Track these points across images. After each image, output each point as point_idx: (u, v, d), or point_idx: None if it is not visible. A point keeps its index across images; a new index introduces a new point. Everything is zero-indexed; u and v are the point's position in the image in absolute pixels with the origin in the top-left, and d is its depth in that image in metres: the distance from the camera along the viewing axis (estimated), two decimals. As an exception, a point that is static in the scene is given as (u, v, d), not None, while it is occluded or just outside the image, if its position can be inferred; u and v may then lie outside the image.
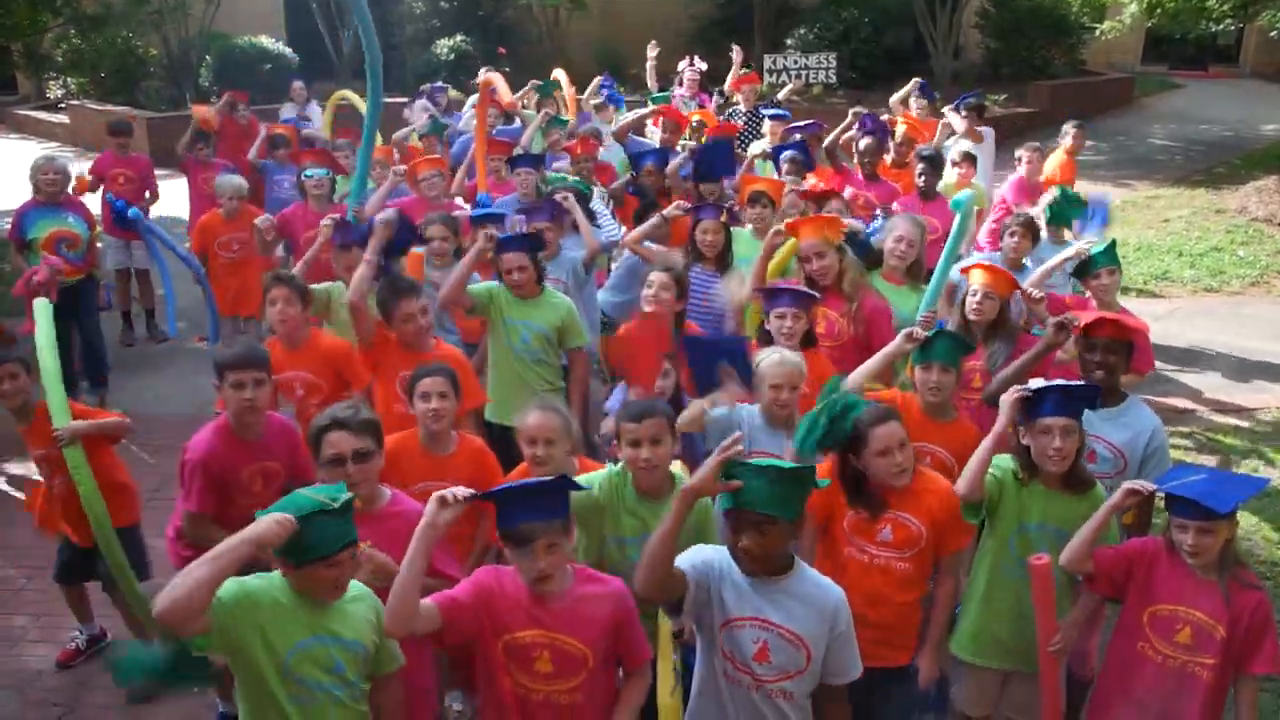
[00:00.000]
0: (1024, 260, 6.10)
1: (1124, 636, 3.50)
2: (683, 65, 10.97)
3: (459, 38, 20.92)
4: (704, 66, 10.99)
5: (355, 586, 3.07)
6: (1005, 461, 3.76)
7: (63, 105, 20.21)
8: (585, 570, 3.16)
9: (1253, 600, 3.29)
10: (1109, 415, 4.16)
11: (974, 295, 4.91)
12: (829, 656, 3.05)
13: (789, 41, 21.02)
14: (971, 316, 4.91)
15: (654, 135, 9.03)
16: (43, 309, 4.66)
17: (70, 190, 7.67)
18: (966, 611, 3.94)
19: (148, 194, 9.11)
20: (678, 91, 10.65)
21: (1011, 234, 6.10)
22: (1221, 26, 16.57)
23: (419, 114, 10.53)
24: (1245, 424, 7.52)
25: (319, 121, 11.46)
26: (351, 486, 3.22)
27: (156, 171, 9.51)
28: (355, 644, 3.01)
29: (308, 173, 7.35)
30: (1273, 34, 16.37)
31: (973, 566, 3.98)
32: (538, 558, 2.92)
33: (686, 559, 3.04)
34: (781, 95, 10.99)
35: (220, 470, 4.06)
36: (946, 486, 3.75)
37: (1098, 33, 17.33)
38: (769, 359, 4.28)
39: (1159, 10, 14.72)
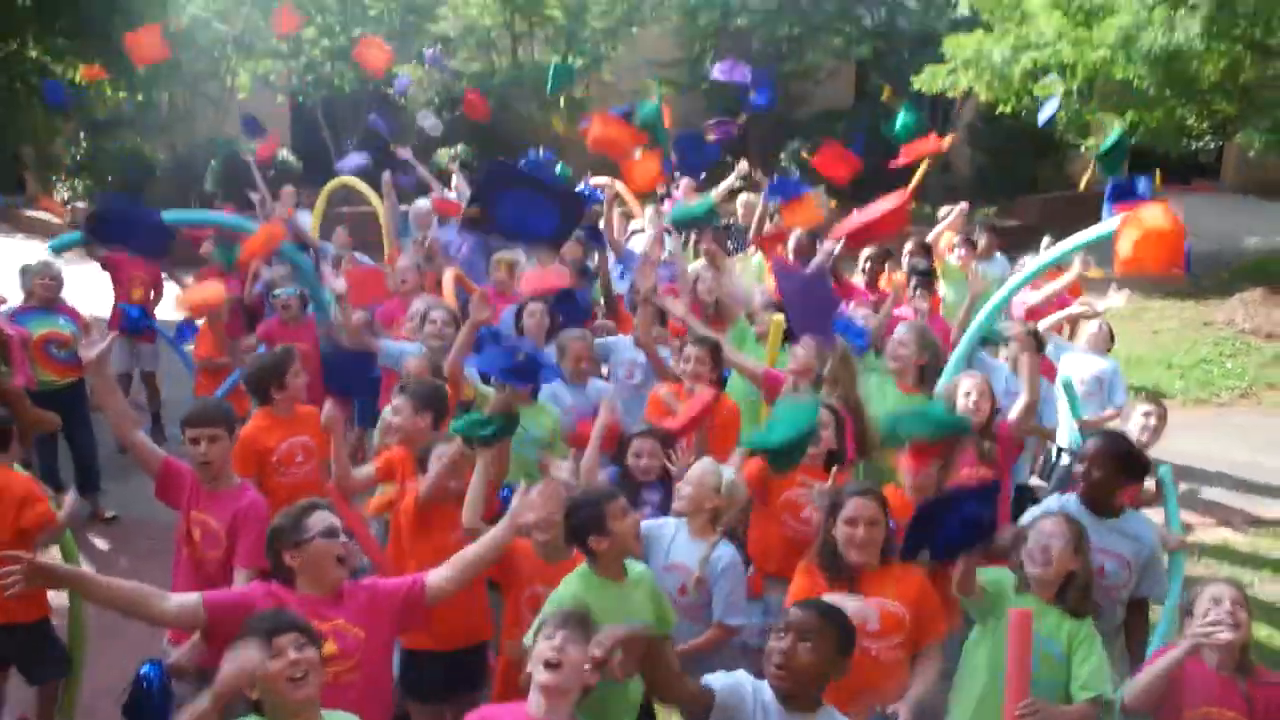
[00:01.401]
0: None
1: None
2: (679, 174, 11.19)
3: (459, 147, 21.39)
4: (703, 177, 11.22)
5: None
6: (1001, 574, 3.81)
7: (69, 206, 20.52)
8: None
9: (1272, 693, 3.43)
10: (1112, 527, 4.22)
11: (968, 395, 5.02)
12: None
13: (782, 155, 21.54)
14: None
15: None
16: None
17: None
18: (959, 710, 3.91)
19: (152, 294, 9.20)
20: (675, 194, 10.83)
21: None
22: (1201, 144, 17.04)
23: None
24: (1243, 536, 7.55)
25: (305, 225, 11.62)
26: (342, 561, 3.39)
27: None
28: None
29: (275, 291, 7.52)
30: (1250, 153, 16.82)
31: (965, 666, 3.96)
32: None
33: (719, 678, 2.99)
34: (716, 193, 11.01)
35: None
36: (921, 574, 3.84)
37: (1083, 149, 17.78)
38: (695, 467, 4.35)
39: (1141, 128, 15.15)
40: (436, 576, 3.53)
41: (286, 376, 5.30)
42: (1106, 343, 7.16)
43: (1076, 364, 7.06)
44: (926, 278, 7.55)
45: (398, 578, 3.69)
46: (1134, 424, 5.76)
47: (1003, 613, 3.72)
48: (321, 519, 3.43)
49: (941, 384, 5.46)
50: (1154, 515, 5.08)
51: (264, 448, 5.25)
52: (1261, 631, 5.97)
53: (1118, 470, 4.30)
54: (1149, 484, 4.91)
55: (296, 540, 3.41)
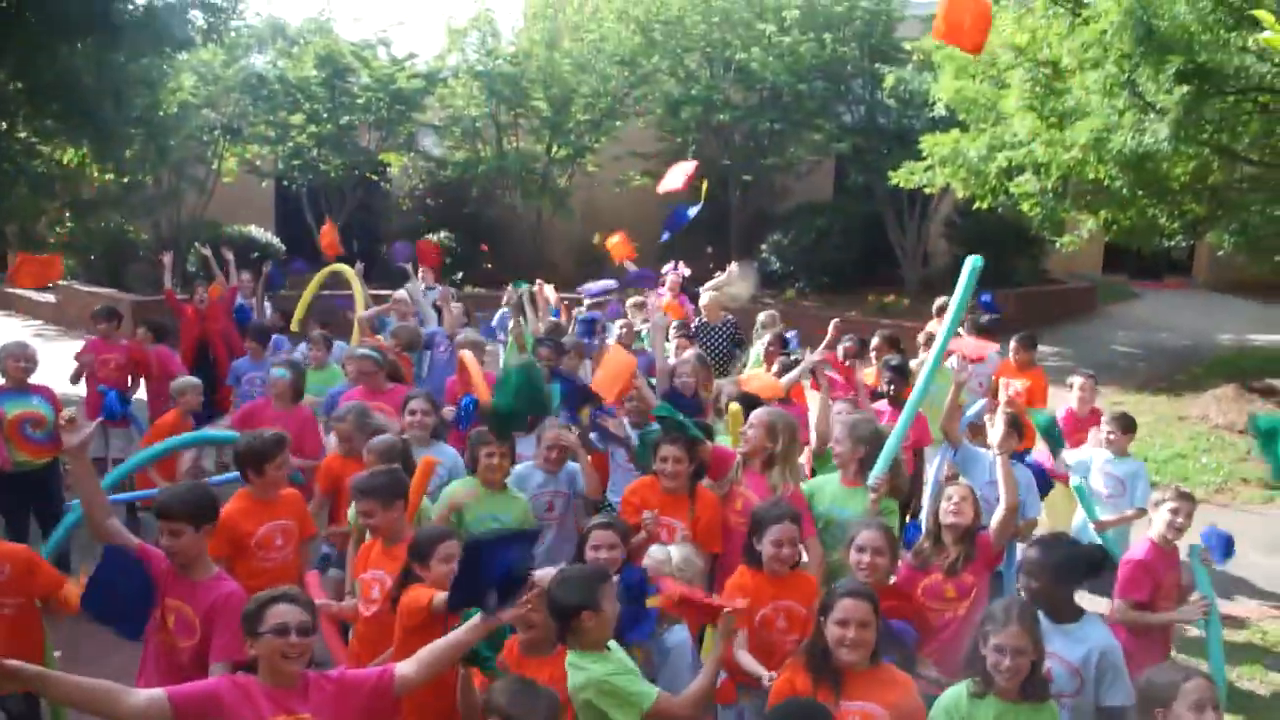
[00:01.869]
0: None
1: None
2: (667, 269, 11.36)
3: (443, 234, 21.60)
4: (687, 271, 11.38)
5: None
6: (951, 694, 3.80)
7: (51, 286, 20.53)
8: None
9: None
10: (1066, 631, 4.21)
11: (950, 499, 5.00)
12: None
13: (763, 247, 21.83)
14: (950, 520, 4.96)
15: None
16: None
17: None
18: None
19: (129, 380, 9.18)
20: (661, 292, 10.96)
21: None
22: (1174, 243, 17.38)
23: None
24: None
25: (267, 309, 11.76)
26: (290, 659, 3.36)
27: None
28: None
29: (275, 370, 7.46)
30: (1220, 252, 17.17)
31: None
32: None
33: None
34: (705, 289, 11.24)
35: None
36: (908, 680, 3.83)
37: (1058, 245, 18.11)
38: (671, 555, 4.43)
39: (1114, 227, 15.44)
40: (405, 668, 3.49)
41: (269, 465, 5.27)
42: (1127, 440, 7.13)
43: (1096, 463, 7.08)
44: (899, 372, 7.63)
45: (365, 669, 3.64)
46: (1160, 519, 5.58)
47: None
48: (278, 614, 3.38)
49: (882, 461, 5.47)
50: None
51: (243, 531, 5.20)
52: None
53: (1057, 577, 4.26)
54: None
55: (254, 630, 3.39)
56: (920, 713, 3.77)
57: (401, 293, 10.44)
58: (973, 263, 5.54)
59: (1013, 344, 9.26)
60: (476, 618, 3.48)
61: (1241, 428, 13.03)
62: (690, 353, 7.94)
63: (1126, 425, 7.15)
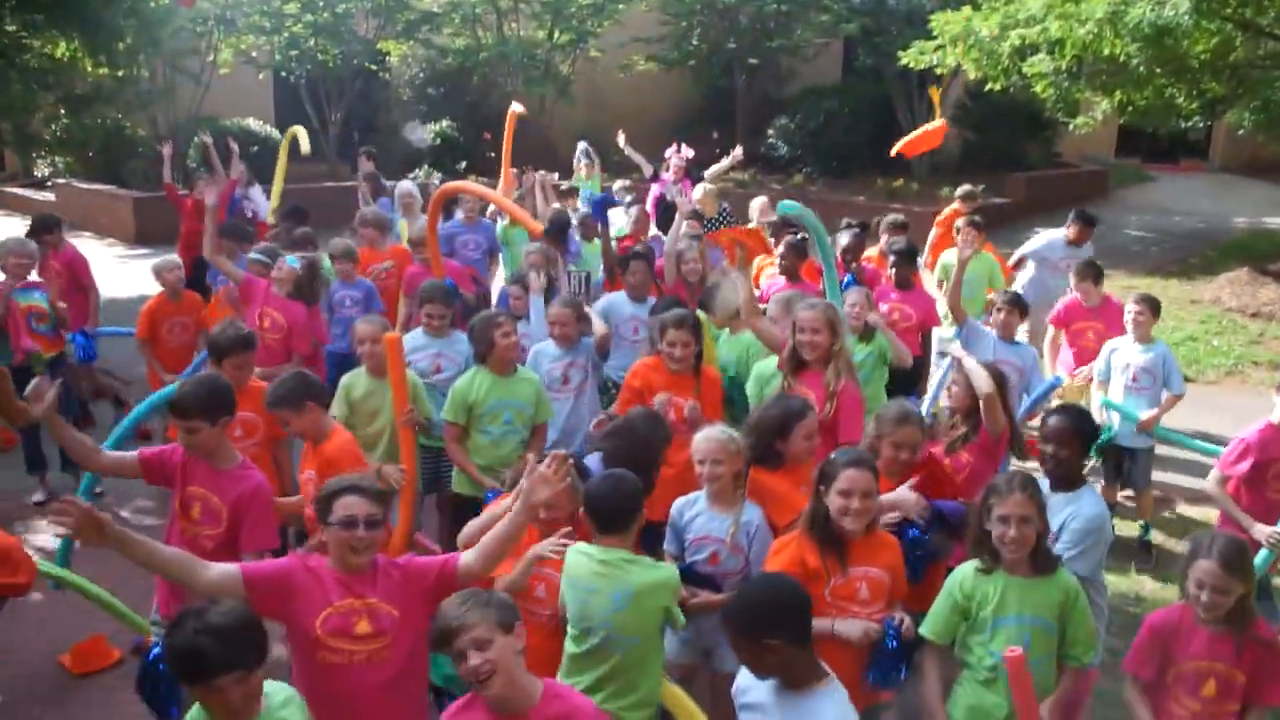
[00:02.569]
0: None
1: (1160, 699, 3.70)
2: (669, 152, 11.14)
3: (444, 123, 21.25)
4: (690, 153, 11.13)
5: (275, 695, 3.02)
6: (960, 571, 3.83)
7: (49, 183, 20.35)
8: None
9: (1263, 646, 3.55)
10: (1069, 499, 4.29)
11: (950, 385, 5.06)
12: None
13: (770, 132, 21.47)
14: (944, 402, 5.03)
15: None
16: None
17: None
18: (955, 705, 3.88)
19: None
20: (664, 177, 10.81)
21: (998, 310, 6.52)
22: (1190, 124, 17.02)
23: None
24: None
25: (262, 203, 11.51)
26: (357, 551, 3.37)
27: (144, 250, 9.47)
28: None
29: (291, 259, 7.15)
30: (1240, 131, 16.81)
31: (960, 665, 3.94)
32: None
33: None
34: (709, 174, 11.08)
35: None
36: (894, 540, 3.97)
37: (1071, 127, 17.76)
38: (703, 433, 4.27)
39: (1130, 108, 15.10)
40: (468, 557, 3.52)
41: (227, 361, 5.21)
42: (1153, 323, 6.98)
43: (1121, 359, 6.95)
44: (905, 256, 7.54)
45: (430, 558, 3.67)
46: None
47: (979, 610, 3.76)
48: (346, 505, 3.37)
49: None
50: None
51: None
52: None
53: (1083, 446, 4.41)
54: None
55: (324, 519, 3.41)
56: (903, 572, 3.91)
57: (405, 184, 10.30)
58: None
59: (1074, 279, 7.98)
60: (517, 505, 3.49)
61: (1254, 310, 12.94)
62: (693, 238, 7.83)
63: (1155, 307, 6.99)
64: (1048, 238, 9.37)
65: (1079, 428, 4.39)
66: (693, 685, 4.27)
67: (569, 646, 3.81)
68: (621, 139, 11.79)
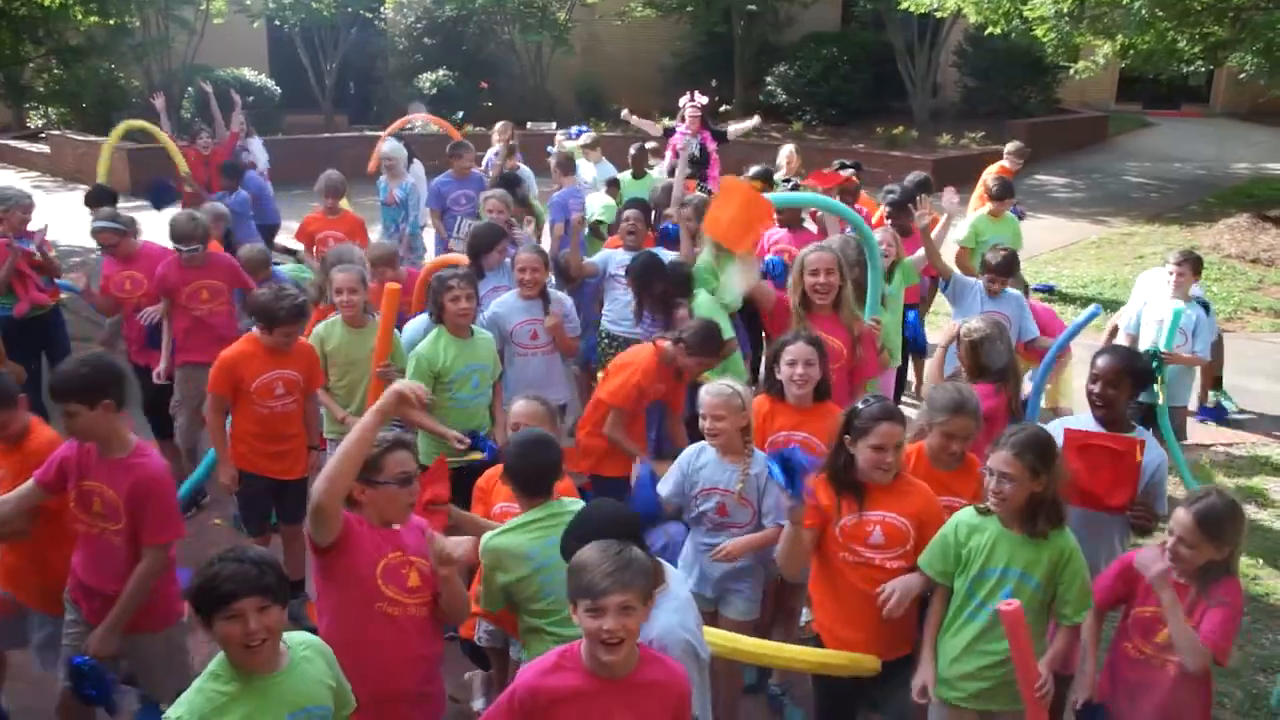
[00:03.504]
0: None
1: (1116, 636, 3.75)
2: (684, 101, 10.89)
3: (441, 72, 21.05)
4: (704, 100, 10.85)
5: (295, 639, 2.97)
6: (966, 510, 3.82)
7: (43, 135, 20.19)
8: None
9: (1220, 608, 3.45)
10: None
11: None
12: None
13: (768, 79, 21.29)
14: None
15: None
16: None
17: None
18: (941, 653, 3.84)
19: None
20: (680, 128, 10.58)
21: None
22: (1192, 68, 16.88)
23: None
24: (1220, 459, 7.60)
25: (260, 155, 11.41)
26: (409, 506, 3.41)
27: (138, 202, 9.37)
28: (323, 710, 2.96)
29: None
30: (1241, 75, 16.68)
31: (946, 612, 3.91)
32: None
33: None
34: (732, 131, 11.07)
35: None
36: (926, 488, 3.88)
37: (1072, 72, 17.61)
38: (705, 388, 4.28)
39: (1131, 52, 14.97)
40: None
41: (277, 329, 5.07)
42: (1189, 287, 6.78)
43: (1155, 314, 6.77)
44: (897, 208, 7.55)
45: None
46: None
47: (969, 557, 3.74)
48: (399, 462, 3.36)
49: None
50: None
51: (240, 376, 5.13)
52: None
53: (1133, 385, 4.35)
54: None
55: (370, 479, 3.33)
56: (938, 517, 3.82)
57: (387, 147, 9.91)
58: None
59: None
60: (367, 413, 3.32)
61: (1254, 256, 12.92)
62: (692, 194, 7.79)
63: (1197, 265, 6.87)
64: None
65: (1128, 366, 4.31)
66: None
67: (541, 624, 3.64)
68: (625, 112, 11.36)
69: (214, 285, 6.31)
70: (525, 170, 9.52)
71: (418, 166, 9.97)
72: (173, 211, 7.11)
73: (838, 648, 3.83)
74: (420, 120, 13.75)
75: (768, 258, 6.62)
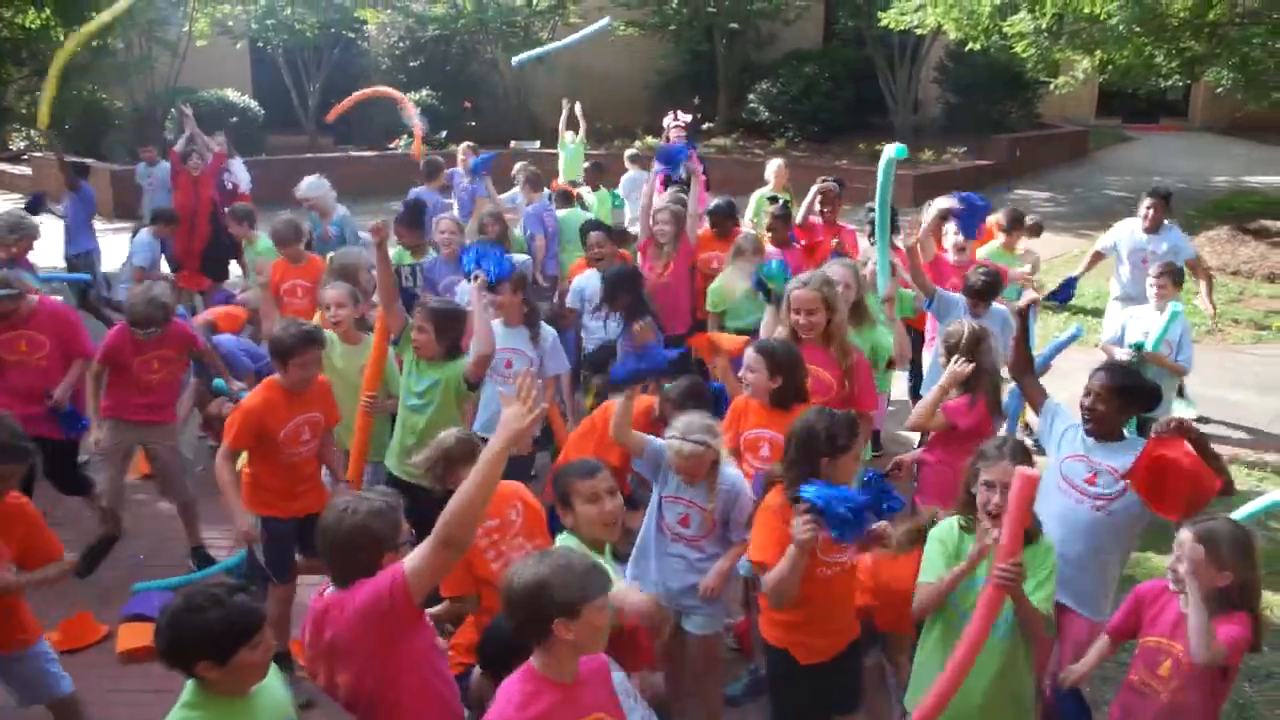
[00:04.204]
0: None
1: (1129, 667, 3.75)
2: (667, 120, 10.91)
3: (425, 92, 21.06)
4: (689, 118, 10.86)
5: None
6: (945, 525, 3.81)
7: (25, 157, 20.12)
8: None
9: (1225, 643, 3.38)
10: (1112, 448, 4.32)
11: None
12: None
13: (751, 97, 21.38)
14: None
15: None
16: None
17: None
18: (919, 668, 3.87)
19: None
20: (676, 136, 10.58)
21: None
22: (1170, 83, 17.04)
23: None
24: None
25: (242, 175, 11.33)
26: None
27: (121, 224, 9.36)
28: None
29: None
30: (1218, 90, 16.84)
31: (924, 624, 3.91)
32: None
33: None
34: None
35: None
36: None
37: (1052, 87, 17.74)
38: (678, 420, 4.23)
39: (1110, 67, 15.10)
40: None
41: (292, 362, 4.85)
42: (1170, 298, 6.87)
43: (1140, 326, 6.88)
44: (782, 219, 7.61)
45: None
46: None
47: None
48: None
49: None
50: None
51: (268, 427, 4.89)
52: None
53: (1123, 404, 4.38)
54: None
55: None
56: None
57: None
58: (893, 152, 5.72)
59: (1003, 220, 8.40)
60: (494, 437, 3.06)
61: (1234, 269, 13.02)
62: (666, 197, 7.80)
63: (1177, 277, 7.00)
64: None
65: (1119, 385, 4.35)
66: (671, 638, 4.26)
67: None
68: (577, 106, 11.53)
69: (165, 355, 5.97)
70: (518, 198, 9.47)
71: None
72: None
73: (811, 660, 3.89)
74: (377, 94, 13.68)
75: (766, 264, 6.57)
